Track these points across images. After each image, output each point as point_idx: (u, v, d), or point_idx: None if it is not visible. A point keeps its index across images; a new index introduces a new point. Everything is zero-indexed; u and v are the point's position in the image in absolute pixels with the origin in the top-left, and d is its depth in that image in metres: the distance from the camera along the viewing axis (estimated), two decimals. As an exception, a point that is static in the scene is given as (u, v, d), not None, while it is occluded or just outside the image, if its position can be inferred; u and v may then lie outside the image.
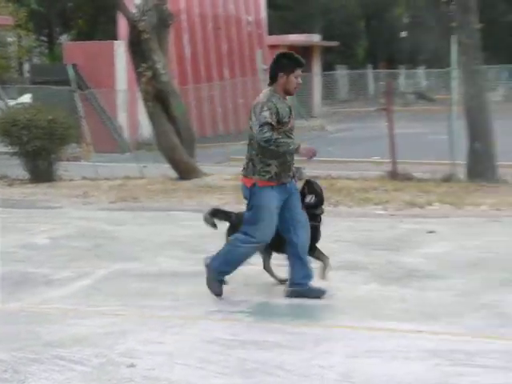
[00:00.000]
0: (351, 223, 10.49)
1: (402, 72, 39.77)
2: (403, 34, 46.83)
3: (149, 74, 15.39)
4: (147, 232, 10.30)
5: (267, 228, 6.74)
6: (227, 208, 8.01)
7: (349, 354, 5.49)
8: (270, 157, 6.64)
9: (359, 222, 10.59)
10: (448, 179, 13.93)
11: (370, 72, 36.94)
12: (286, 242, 6.89)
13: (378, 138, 17.26)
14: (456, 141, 14.56)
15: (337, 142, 19.85)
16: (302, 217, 6.87)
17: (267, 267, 7.37)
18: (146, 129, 22.25)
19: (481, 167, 13.82)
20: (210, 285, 7.01)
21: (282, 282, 7.23)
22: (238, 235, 6.87)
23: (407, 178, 14.21)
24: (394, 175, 14.36)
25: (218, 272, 6.96)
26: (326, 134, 27.13)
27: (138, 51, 15.62)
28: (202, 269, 8.07)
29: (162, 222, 11.13)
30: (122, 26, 22.72)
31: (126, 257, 8.78)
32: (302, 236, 6.84)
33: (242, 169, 6.86)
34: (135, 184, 15.16)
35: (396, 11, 50.38)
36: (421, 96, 37.03)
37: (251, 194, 6.75)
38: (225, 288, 7.27)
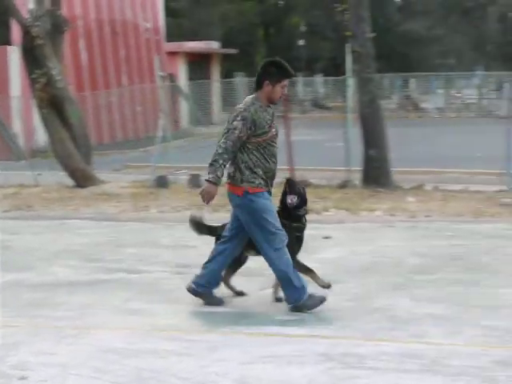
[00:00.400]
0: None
1: (299, 80, 40.26)
2: (301, 42, 47.40)
3: (43, 80, 15.12)
4: (42, 241, 10.10)
5: (274, 219, 6.57)
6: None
7: (244, 360, 5.51)
8: (255, 165, 6.55)
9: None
10: (344, 185, 14.18)
11: (268, 79, 37.14)
12: (222, 246, 6.80)
13: (275, 144, 17.37)
14: (351, 148, 14.85)
15: (235, 148, 19.98)
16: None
17: (227, 281, 7.16)
18: (41, 136, 21.87)
19: (376, 173, 14.11)
20: (313, 306, 6.63)
21: (239, 294, 7.14)
22: (271, 253, 6.59)
23: (305, 184, 14.36)
24: (291, 182, 14.48)
25: (303, 292, 6.60)
26: (225, 141, 27.10)
27: (32, 57, 15.32)
28: (98, 277, 8.01)
29: (58, 230, 10.93)
30: (16, 31, 22.25)
31: (19, 266, 8.57)
32: (237, 250, 6.82)
33: (228, 177, 6.65)
34: (30, 192, 14.85)
35: (293, 20, 51.02)
36: (316, 104, 37.59)
37: (247, 203, 6.54)
38: (121, 297, 7.21)
